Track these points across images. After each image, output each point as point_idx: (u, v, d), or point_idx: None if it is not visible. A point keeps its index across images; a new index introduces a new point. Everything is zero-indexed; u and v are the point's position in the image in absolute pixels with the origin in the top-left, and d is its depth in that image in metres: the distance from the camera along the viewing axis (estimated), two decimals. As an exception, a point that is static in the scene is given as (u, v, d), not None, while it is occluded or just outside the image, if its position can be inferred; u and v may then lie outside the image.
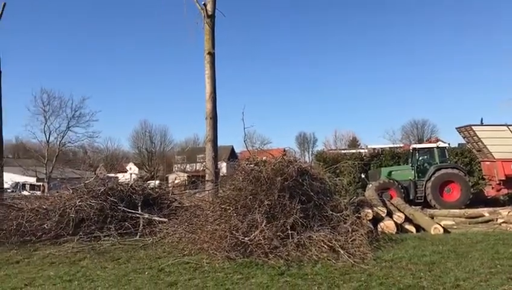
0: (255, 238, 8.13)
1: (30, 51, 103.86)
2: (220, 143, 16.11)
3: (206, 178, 15.43)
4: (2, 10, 19.47)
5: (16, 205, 12.71)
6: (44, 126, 44.55)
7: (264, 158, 11.12)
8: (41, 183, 39.58)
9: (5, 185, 21.60)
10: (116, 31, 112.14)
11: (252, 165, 10.14)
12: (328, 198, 9.90)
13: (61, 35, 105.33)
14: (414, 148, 19.24)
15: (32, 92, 52.79)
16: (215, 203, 10.21)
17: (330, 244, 8.31)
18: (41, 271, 7.76)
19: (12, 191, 32.21)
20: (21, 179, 40.46)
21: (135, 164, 79.82)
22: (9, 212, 11.85)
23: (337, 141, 76.00)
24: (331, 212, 9.34)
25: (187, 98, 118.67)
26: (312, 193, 9.44)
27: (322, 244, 8.29)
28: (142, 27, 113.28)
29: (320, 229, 8.76)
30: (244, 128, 12.54)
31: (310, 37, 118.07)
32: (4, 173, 20.12)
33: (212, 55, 15.37)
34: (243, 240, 8.17)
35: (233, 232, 8.38)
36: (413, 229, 11.10)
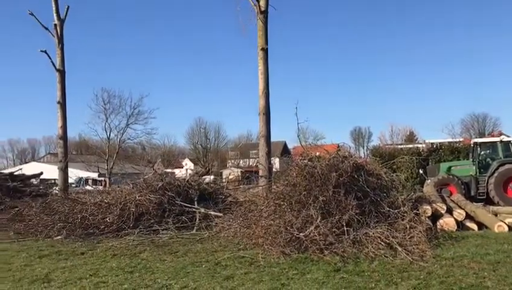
0: (309, 234, 8.08)
1: (91, 50, 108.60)
2: (272, 139, 16.12)
3: (260, 174, 15.51)
4: (66, 13, 20.46)
5: (80, 199, 13.38)
6: (105, 124, 46.45)
7: (317, 153, 11.04)
8: (102, 179, 41.46)
9: (70, 180, 22.77)
10: (170, 30, 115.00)
11: (305, 161, 10.08)
12: (385, 194, 9.68)
13: (119, 35, 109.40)
14: (476, 143, 18.38)
15: (94, 91, 55.26)
16: (269, 199, 10.23)
17: (387, 241, 8.12)
18: (104, 262, 8.11)
19: (76, 186, 33.97)
20: (84, 174, 42.45)
21: (190, 160, 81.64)
22: (74, 206, 12.47)
23: (393, 135, 74.19)
24: (388, 208, 9.12)
25: (240, 94, 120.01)
26: (368, 189, 9.25)
27: (379, 241, 8.12)
28: (195, 24, 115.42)
29: (377, 225, 8.58)
30: (298, 124, 12.53)
31: (365, 32, 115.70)
32: (69, 169, 21.19)
33: (265, 51, 15.40)
34: (297, 236, 8.15)
35: (288, 227, 8.37)
36: (474, 226, 10.63)
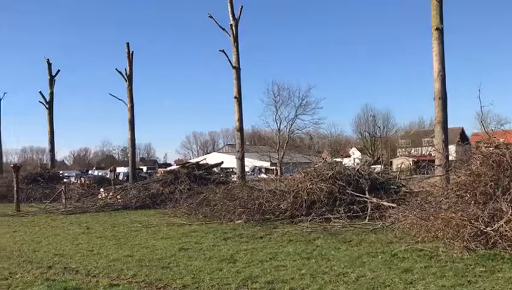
0: (499, 228, 7.29)
1: (263, 46, 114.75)
2: (449, 125, 14.98)
3: (436, 163, 14.57)
4: (240, 13, 21.89)
5: (256, 187, 14.30)
6: (276, 115, 48.63)
7: (502, 140, 9.91)
8: (274, 167, 43.59)
9: (246, 169, 24.47)
10: (334, 15, 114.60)
11: (491, 148, 9.11)
12: None
13: (285, 31, 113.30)
14: None
15: (265, 85, 58.36)
16: (449, 190, 9.52)
17: None
18: (281, 247, 8.50)
19: (251, 174, 36.39)
20: (257, 163, 45.20)
21: (357, 149, 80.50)
22: (252, 192, 13.35)
23: None
24: None
25: (411, 78, 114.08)
26: None
27: None
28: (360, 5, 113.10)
29: None
30: (481, 107, 11.43)
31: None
32: (245, 159, 22.78)
33: (440, 30, 14.33)
34: (484, 230, 7.43)
35: (473, 221, 7.67)
36: None
